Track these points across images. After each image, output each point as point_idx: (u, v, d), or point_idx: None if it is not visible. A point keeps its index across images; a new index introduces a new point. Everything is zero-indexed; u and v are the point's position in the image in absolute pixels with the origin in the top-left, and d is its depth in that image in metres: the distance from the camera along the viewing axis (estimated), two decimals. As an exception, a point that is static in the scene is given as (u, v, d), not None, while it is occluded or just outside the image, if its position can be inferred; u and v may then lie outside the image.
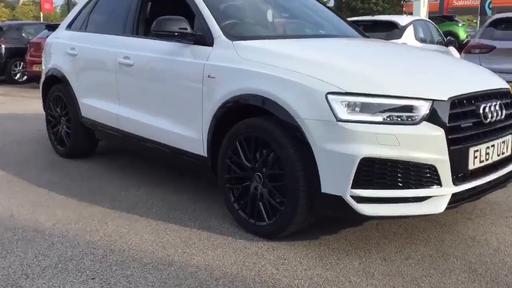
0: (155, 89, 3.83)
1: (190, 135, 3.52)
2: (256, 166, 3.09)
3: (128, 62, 4.03)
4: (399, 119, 2.66)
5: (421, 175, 2.68)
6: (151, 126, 3.87)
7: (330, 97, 2.71)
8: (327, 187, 2.74)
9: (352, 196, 2.68)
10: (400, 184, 2.67)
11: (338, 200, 2.71)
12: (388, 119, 2.66)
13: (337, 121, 2.67)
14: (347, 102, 2.69)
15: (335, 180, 2.70)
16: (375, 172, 2.65)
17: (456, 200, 2.80)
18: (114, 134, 4.40)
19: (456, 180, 2.76)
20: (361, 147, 2.62)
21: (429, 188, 2.71)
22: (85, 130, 4.84)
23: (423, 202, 2.72)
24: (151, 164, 4.73)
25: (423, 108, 2.68)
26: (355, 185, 2.66)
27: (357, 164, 2.62)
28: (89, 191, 4.03)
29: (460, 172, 2.78)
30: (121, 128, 4.24)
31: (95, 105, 4.53)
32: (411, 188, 2.69)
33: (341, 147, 2.66)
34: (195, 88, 3.41)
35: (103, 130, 4.54)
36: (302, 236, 3.07)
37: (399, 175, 2.66)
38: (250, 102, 3.05)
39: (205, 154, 3.44)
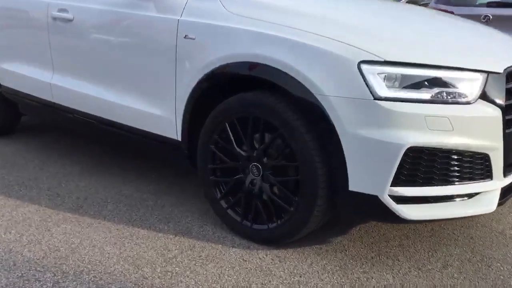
0: (105, 53, 2.96)
1: (158, 113, 2.74)
2: (254, 155, 2.40)
3: (65, 16, 3.10)
4: (451, 97, 2.07)
5: (472, 166, 2.14)
6: (99, 100, 3.02)
7: (364, 67, 2.06)
8: (357, 184, 2.12)
9: (390, 196, 2.09)
10: (449, 179, 2.11)
11: (372, 201, 2.11)
12: (438, 96, 2.06)
13: (374, 99, 2.03)
14: (386, 74, 2.06)
15: (370, 176, 2.09)
16: (422, 165, 2.07)
17: (505, 194, 2.30)
18: (46, 108, 3.48)
19: (506, 171, 2.25)
20: (407, 134, 2.02)
21: (479, 182, 2.17)
22: (4, 102, 3.85)
23: (472, 199, 2.19)
24: (98, 146, 3.86)
25: (478, 83, 2.11)
26: (395, 182, 2.07)
27: (401, 155, 2.02)
28: (18, 183, 3.14)
29: (510, 161, 2.27)
30: (57, 101, 3.34)
31: (19, 72, 3.56)
32: (460, 183, 2.14)
33: (379, 134, 2.04)
34: (164, 54, 2.62)
35: (30, 103, 3.60)
36: (308, 240, 2.46)
37: (448, 167, 2.10)
38: (248, 73, 2.32)
39: (179, 138, 2.69)
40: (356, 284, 2.16)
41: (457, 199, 2.17)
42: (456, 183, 2.13)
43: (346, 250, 2.43)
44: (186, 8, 2.57)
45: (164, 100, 2.68)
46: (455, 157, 2.09)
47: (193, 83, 2.52)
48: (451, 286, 2.17)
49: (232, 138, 2.44)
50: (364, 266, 2.30)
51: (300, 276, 2.20)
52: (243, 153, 2.43)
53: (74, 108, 3.22)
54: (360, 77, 2.05)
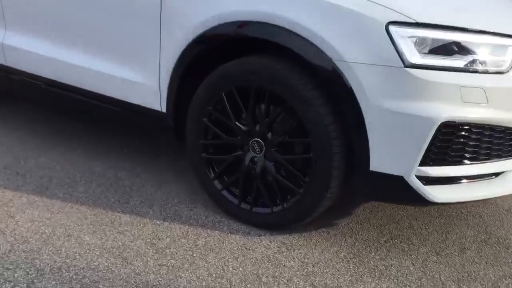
0: (73, 7, 2.54)
1: (138, 80, 2.37)
2: (256, 130, 2.11)
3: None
4: (485, 66, 1.85)
5: (502, 143, 1.95)
6: (64, 64, 2.61)
7: (393, 29, 1.79)
8: (379, 164, 1.88)
9: (417, 177, 1.86)
10: (479, 157, 1.91)
11: (396, 182, 1.88)
12: (472, 65, 1.83)
13: (405, 66, 1.78)
14: (417, 38, 1.80)
15: (395, 154, 1.85)
16: (453, 142, 1.85)
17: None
18: (-4, 73, 3.02)
19: (532, 147, 2.08)
20: (440, 107, 1.78)
21: (507, 159, 1.99)
22: None
23: (498, 178, 2.01)
24: (62, 117, 3.42)
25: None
26: (423, 161, 1.84)
27: (434, 132, 1.79)
28: (-32, 160, 2.71)
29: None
30: (10, 64, 2.88)
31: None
32: (489, 161, 1.94)
33: (409, 107, 1.79)
34: (148, 10, 2.25)
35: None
36: (312, 223, 2.21)
37: (480, 144, 1.89)
38: (251, 35, 2.01)
39: (163, 109, 2.35)
40: (376, 273, 1.94)
41: (485, 179, 1.98)
42: (486, 161, 1.93)
43: (356, 234, 2.20)
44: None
45: (146, 65, 2.32)
46: (487, 133, 1.88)
47: (182, 46, 2.18)
48: (475, 272, 2.00)
49: (230, 110, 2.13)
50: (379, 252, 2.08)
51: (313, 266, 1.96)
52: (242, 127, 2.13)
53: (31, 72, 2.78)
54: (389, 40, 1.78)
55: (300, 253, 2.04)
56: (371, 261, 2.02)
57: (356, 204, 2.44)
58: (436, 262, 2.04)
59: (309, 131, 1.95)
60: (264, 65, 2.00)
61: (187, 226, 2.18)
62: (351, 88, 1.83)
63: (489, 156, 1.93)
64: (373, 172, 1.89)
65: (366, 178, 1.92)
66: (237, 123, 2.14)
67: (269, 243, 2.09)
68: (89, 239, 2.04)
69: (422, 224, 2.32)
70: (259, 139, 2.11)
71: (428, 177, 1.87)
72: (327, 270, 1.94)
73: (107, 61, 2.43)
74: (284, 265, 1.95)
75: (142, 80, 2.35)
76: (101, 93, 2.51)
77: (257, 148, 2.12)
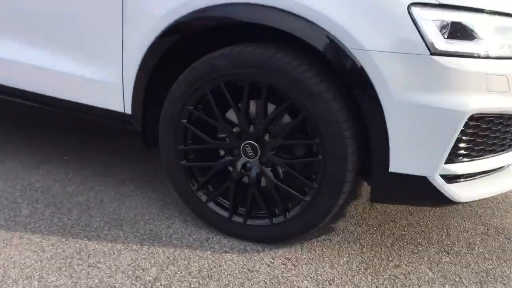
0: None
1: (94, 77, 1.96)
2: (251, 131, 1.81)
3: None
4: (508, 51, 1.69)
5: (514, 132, 1.83)
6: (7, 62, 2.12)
7: (416, 11, 1.57)
8: (400, 163, 1.67)
9: (442, 176, 1.68)
10: (501, 149, 1.77)
11: (418, 183, 1.68)
12: (498, 51, 1.66)
13: (431, 54, 1.57)
14: (441, 21, 1.59)
15: (418, 153, 1.65)
16: (478, 136, 1.69)
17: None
18: None
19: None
20: (468, 98, 1.60)
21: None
22: None
23: (504, 171, 1.89)
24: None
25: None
26: (448, 158, 1.66)
27: (462, 125, 1.61)
28: None
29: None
30: None
31: None
32: (503, 153, 1.82)
33: (436, 99, 1.59)
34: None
35: None
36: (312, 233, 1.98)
37: (505, 136, 1.76)
38: (245, 19, 1.69)
39: (127, 110, 1.97)
40: (398, 284, 1.75)
41: (493, 173, 1.85)
42: (501, 153, 1.80)
43: (359, 239, 2.00)
44: None
45: (105, 59, 1.92)
46: (506, 123, 1.74)
47: (150, 37, 1.82)
48: (491, 270, 1.88)
49: (216, 110, 1.81)
50: (390, 258, 1.89)
51: (330, 284, 1.72)
52: (232, 129, 1.83)
53: None
54: (412, 24, 1.56)
55: (310, 269, 1.79)
56: (387, 270, 1.82)
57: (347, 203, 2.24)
58: (451, 263, 1.90)
59: (319, 130, 1.69)
60: (262, 55, 1.69)
61: (171, 249, 1.84)
62: (369, 79, 1.59)
63: (504, 148, 1.80)
64: (392, 173, 1.68)
65: (383, 181, 1.70)
66: (225, 124, 1.83)
67: (272, 260, 1.82)
68: (55, 279, 1.64)
69: (419, 219, 2.17)
70: (253, 142, 1.81)
71: (451, 175, 1.70)
72: (347, 286, 1.71)
73: (54, 55, 1.99)
74: (299, 287, 1.69)
75: (99, 78, 1.94)
76: (44, 93, 2.06)
77: (250, 152, 1.82)
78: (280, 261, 1.82)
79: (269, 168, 1.83)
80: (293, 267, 1.79)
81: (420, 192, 1.71)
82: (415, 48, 1.56)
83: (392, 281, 1.77)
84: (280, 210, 1.85)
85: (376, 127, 1.64)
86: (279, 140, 1.77)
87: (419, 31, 1.56)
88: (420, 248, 1.98)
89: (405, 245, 1.99)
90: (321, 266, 1.81)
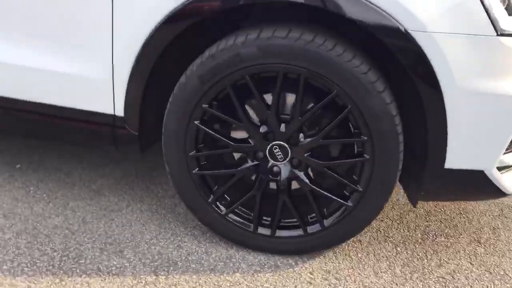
0: None
1: (82, 73, 1.56)
2: (281, 131, 1.53)
3: None
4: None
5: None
6: None
7: (481, -13, 1.36)
8: (457, 158, 1.49)
9: (498, 168, 1.53)
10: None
11: (474, 178, 1.52)
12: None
13: (498, 35, 1.38)
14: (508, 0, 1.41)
15: (478, 145, 1.48)
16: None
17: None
18: None
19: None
20: (533, 83, 1.45)
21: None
22: None
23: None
24: None
25: None
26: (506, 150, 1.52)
27: (527, 113, 1.46)
28: None
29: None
30: None
31: None
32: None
33: (501, 85, 1.42)
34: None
35: None
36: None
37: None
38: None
39: (118, 113, 1.60)
40: (450, 286, 1.60)
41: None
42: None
43: (387, 237, 1.82)
44: None
45: (92, 52, 1.52)
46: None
47: (147, 27, 1.45)
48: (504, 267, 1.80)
49: (239, 108, 1.50)
50: (428, 255, 1.74)
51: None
52: (260, 130, 1.54)
53: None
54: (478, 2, 1.36)
55: (355, 281, 1.58)
56: (433, 272, 1.67)
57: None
58: (488, 254, 1.79)
59: (367, 127, 1.45)
60: (301, 41, 1.40)
61: (194, 276, 1.54)
62: (431, 65, 1.38)
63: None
64: (447, 170, 1.50)
65: (438, 178, 1.52)
66: (250, 124, 1.53)
67: (311, 276, 1.59)
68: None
69: (435, 205, 2.05)
70: (282, 143, 1.54)
71: (505, 166, 1.56)
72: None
73: (31, 47, 1.54)
74: (354, 307, 1.49)
75: (85, 74, 1.54)
76: (22, 98, 1.62)
77: (280, 155, 1.55)
78: (321, 274, 1.60)
79: (302, 172, 1.58)
80: (336, 281, 1.58)
81: (474, 186, 1.55)
82: (480, 28, 1.37)
83: (442, 282, 1.62)
84: (313, 218, 1.61)
85: (435, 118, 1.44)
86: (319, 140, 1.51)
87: (485, 9, 1.36)
88: (452, 240, 1.85)
89: (435, 238, 1.85)
90: (365, 276, 1.61)
